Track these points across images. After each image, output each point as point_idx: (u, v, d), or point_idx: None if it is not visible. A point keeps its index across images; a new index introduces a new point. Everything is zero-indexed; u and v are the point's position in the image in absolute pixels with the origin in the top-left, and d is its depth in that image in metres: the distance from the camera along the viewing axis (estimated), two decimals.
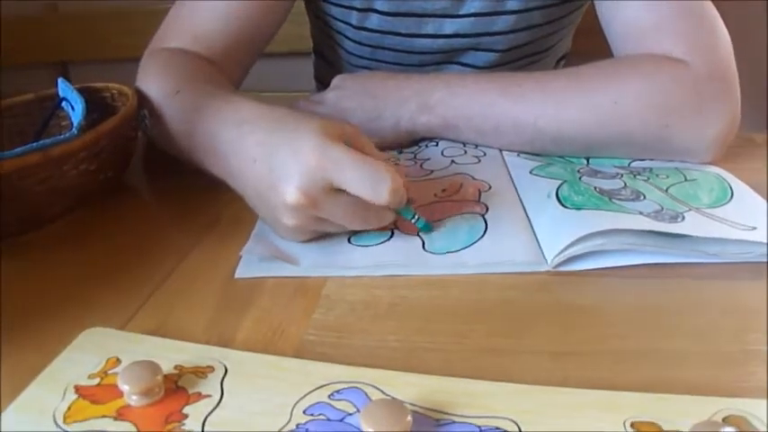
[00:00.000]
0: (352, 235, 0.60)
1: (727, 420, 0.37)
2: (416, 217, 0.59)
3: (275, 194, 0.55)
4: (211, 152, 0.64)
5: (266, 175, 0.56)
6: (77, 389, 0.43)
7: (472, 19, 0.87)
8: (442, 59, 0.94)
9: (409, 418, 0.37)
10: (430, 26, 0.89)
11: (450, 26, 0.89)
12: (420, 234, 0.60)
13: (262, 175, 0.56)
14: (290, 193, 0.53)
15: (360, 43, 0.95)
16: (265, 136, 0.58)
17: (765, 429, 0.37)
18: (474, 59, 0.94)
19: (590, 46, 0.86)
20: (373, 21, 0.90)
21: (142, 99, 0.77)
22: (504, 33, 0.89)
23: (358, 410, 0.39)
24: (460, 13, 0.87)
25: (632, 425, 0.37)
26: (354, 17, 0.91)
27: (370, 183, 0.53)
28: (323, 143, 0.53)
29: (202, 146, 0.65)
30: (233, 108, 0.63)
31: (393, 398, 0.40)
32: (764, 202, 0.62)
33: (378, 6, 0.89)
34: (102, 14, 1.69)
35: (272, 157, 0.56)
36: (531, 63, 0.97)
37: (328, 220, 0.56)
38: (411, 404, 0.40)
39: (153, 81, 0.78)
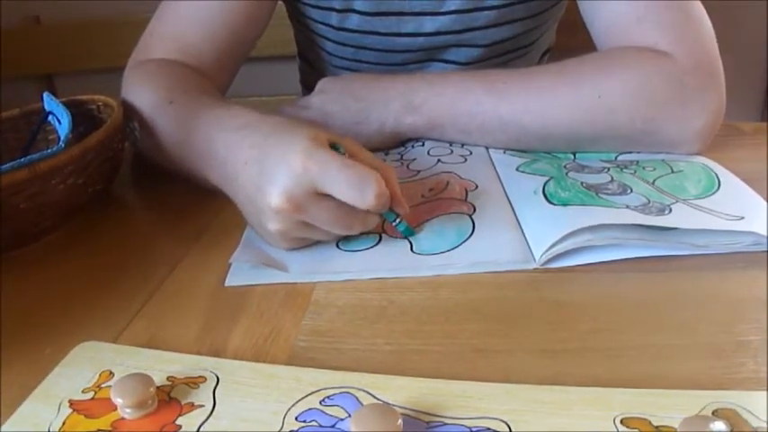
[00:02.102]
0: (340, 240, 0.60)
1: (716, 414, 0.38)
2: (398, 220, 0.59)
3: (261, 197, 0.55)
4: (208, 158, 0.64)
5: (256, 177, 0.56)
6: (72, 403, 0.43)
7: (453, 16, 0.87)
8: (425, 57, 0.95)
9: (400, 421, 0.37)
10: (410, 25, 0.89)
11: (430, 24, 0.89)
12: (407, 236, 0.60)
13: (252, 178, 0.57)
14: (275, 195, 0.54)
15: (341, 44, 0.95)
16: (260, 139, 0.58)
17: (755, 421, 0.37)
18: (457, 56, 0.94)
19: (574, 41, 0.86)
20: (353, 21, 0.91)
21: (130, 111, 0.76)
22: (486, 28, 0.89)
23: (349, 415, 0.39)
24: (441, 10, 0.87)
25: (622, 421, 0.38)
26: (334, 18, 0.91)
27: (356, 186, 0.53)
28: (310, 147, 0.53)
29: (199, 152, 0.65)
30: (232, 115, 0.63)
31: (384, 402, 0.40)
32: (750, 190, 0.62)
33: (357, 6, 0.89)
34: (86, 25, 1.68)
35: (263, 159, 0.56)
36: (515, 58, 0.97)
37: (313, 226, 0.56)
38: (402, 407, 0.40)
39: (142, 92, 0.78)
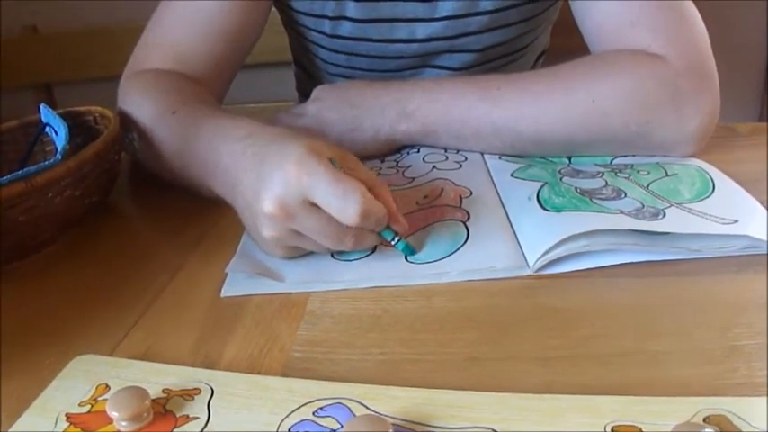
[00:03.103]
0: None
1: (708, 420, 0.38)
2: (397, 239, 0.58)
3: (257, 202, 0.56)
4: (212, 167, 0.64)
5: (254, 183, 0.57)
6: (69, 417, 0.43)
7: (446, 21, 0.87)
8: (419, 63, 0.95)
9: (391, 431, 0.37)
10: (402, 31, 0.89)
11: (423, 30, 0.89)
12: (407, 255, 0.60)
13: (251, 184, 0.57)
14: (268, 201, 0.54)
15: (334, 51, 0.96)
16: (260, 148, 0.59)
17: (747, 427, 0.37)
18: (450, 61, 0.94)
19: (570, 43, 0.86)
20: (346, 28, 0.91)
21: (128, 122, 0.77)
22: (479, 33, 0.89)
23: (342, 426, 0.40)
24: (434, 16, 0.87)
25: (613, 429, 0.38)
26: (327, 25, 0.91)
27: (340, 201, 0.53)
28: (305, 157, 0.54)
29: (202, 161, 0.66)
30: (235, 124, 0.64)
31: (376, 412, 0.41)
32: (745, 193, 0.62)
33: (349, 13, 0.89)
34: (84, 33, 1.68)
35: (261, 166, 0.56)
36: (508, 62, 0.97)
37: (305, 236, 0.56)
38: (393, 418, 0.40)
39: (141, 103, 0.78)
